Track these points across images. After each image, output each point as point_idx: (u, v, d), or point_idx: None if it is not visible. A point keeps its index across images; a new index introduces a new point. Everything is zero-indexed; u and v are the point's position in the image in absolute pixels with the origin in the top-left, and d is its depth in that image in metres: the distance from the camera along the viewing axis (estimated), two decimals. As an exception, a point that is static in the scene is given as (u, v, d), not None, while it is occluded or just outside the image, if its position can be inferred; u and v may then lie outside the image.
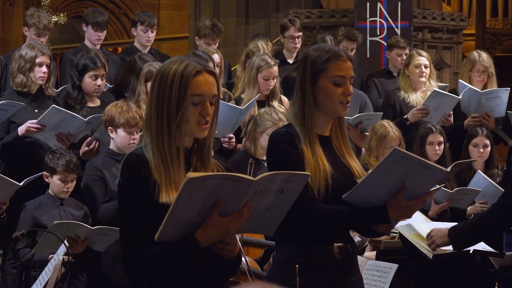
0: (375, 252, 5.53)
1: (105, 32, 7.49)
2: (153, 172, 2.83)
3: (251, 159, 5.53)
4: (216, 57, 6.82)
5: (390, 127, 6.09)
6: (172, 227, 2.71)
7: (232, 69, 8.24)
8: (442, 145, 6.32)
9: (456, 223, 4.29)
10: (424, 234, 4.56)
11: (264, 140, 5.79)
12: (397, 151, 3.08)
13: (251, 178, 2.69)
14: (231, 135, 6.26)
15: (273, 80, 6.49)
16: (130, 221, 2.84)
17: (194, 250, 2.76)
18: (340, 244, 3.39)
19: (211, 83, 2.90)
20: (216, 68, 6.57)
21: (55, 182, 5.37)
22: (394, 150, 3.08)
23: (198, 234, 2.75)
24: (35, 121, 5.70)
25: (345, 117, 5.79)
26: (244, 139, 6.27)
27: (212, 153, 3.06)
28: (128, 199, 2.85)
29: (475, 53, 7.15)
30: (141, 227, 2.82)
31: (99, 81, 6.10)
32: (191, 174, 2.61)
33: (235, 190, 2.69)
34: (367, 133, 6.35)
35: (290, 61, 8.04)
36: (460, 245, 4.10)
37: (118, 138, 5.40)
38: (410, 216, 3.31)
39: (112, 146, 5.45)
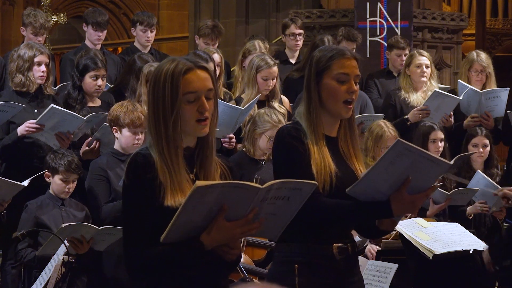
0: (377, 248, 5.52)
1: (105, 32, 7.50)
2: (159, 173, 2.83)
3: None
4: (216, 56, 6.81)
5: (387, 127, 6.10)
6: (178, 230, 2.72)
7: (231, 69, 8.24)
8: (443, 142, 6.35)
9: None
10: (421, 241, 4.56)
11: (263, 142, 5.78)
12: (400, 142, 3.05)
13: (258, 185, 2.70)
14: (231, 135, 6.26)
15: (272, 80, 6.47)
16: (134, 221, 2.84)
17: (198, 252, 2.77)
18: (340, 244, 3.38)
19: (203, 79, 2.88)
20: (216, 68, 6.57)
21: (56, 182, 5.37)
22: (397, 142, 3.05)
23: (203, 237, 2.76)
24: (34, 121, 5.69)
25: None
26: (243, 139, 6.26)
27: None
28: (133, 200, 2.85)
29: (473, 53, 7.17)
30: (144, 228, 2.82)
31: (99, 81, 6.10)
32: (199, 183, 2.62)
33: (242, 196, 2.70)
34: (368, 134, 6.36)
35: (292, 61, 8.03)
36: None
37: (123, 138, 5.40)
38: (413, 211, 3.30)
39: (116, 146, 5.46)
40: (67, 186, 5.36)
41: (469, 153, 6.43)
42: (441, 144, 6.33)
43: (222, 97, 6.54)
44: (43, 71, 5.96)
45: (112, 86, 6.78)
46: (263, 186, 2.71)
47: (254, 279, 5.09)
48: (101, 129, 5.75)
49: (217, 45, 7.79)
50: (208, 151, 2.94)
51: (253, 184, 2.70)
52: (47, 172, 5.38)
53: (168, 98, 2.84)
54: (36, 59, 5.93)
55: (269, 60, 6.51)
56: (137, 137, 5.39)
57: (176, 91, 2.84)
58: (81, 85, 6.12)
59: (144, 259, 2.82)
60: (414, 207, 3.24)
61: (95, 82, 6.09)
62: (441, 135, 6.35)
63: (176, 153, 2.85)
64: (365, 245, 5.58)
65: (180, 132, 2.86)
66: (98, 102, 6.21)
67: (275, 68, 6.48)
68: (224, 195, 2.68)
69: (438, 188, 5.75)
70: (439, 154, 6.27)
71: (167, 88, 2.85)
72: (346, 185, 3.24)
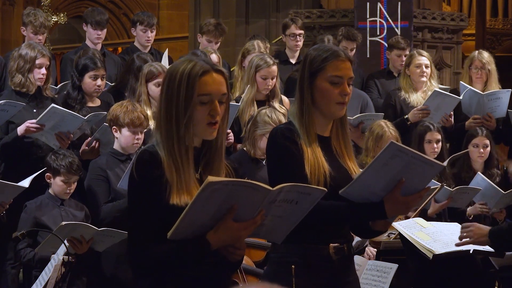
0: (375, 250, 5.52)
1: (105, 30, 7.51)
2: (166, 172, 2.83)
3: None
4: (214, 57, 6.81)
5: (387, 127, 6.09)
6: (185, 227, 2.72)
7: (231, 69, 8.24)
8: (440, 143, 6.32)
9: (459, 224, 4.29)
10: (421, 241, 4.56)
11: (264, 143, 5.74)
12: (393, 144, 3.06)
13: (268, 187, 2.70)
14: (228, 130, 6.26)
15: (272, 79, 6.46)
16: (140, 218, 2.84)
17: (204, 251, 2.77)
18: (336, 244, 3.38)
19: (218, 82, 2.89)
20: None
21: (57, 184, 5.36)
22: (391, 144, 3.06)
23: (210, 236, 2.76)
24: (34, 120, 5.69)
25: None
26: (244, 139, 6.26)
27: None
28: (139, 197, 2.85)
29: (475, 51, 7.22)
30: (150, 225, 2.82)
31: (99, 81, 6.11)
32: (211, 178, 2.61)
33: (251, 197, 2.70)
34: (368, 133, 6.35)
35: (293, 61, 8.03)
36: (499, 247, 4.15)
37: (122, 138, 5.40)
38: (407, 212, 3.30)
39: (116, 146, 5.46)
40: (69, 188, 5.35)
41: (462, 151, 6.42)
42: (437, 145, 6.30)
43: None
44: (43, 74, 5.95)
45: (111, 85, 6.78)
46: (274, 188, 2.70)
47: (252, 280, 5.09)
48: (101, 129, 5.75)
49: (219, 44, 7.80)
50: (216, 154, 2.94)
51: (264, 185, 2.69)
52: (47, 174, 5.37)
53: (183, 98, 2.84)
54: (37, 61, 5.92)
55: (268, 59, 6.50)
56: (136, 137, 5.40)
57: (191, 92, 2.84)
58: (80, 85, 6.12)
59: (148, 257, 2.82)
60: (408, 208, 3.25)
61: (95, 82, 6.10)
62: (437, 136, 6.33)
63: (186, 153, 2.85)
64: (365, 245, 5.58)
65: (191, 132, 2.86)
66: (97, 102, 6.22)
67: (274, 68, 6.47)
68: (234, 194, 2.68)
69: (444, 186, 5.75)
70: (436, 155, 6.26)
71: (182, 88, 2.85)
72: (340, 184, 3.25)
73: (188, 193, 2.80)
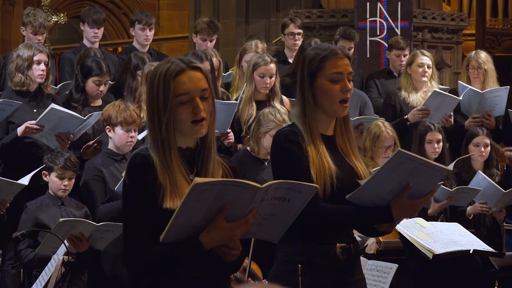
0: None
1: (102, 29, 7.52)
2: (159, 175, 2.83)
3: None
4: (215, 60, 6.79)
5: (384, 127, 6.10)
6: (177, 229, 2.72)
7: (230, 69, 8.23)
8: (441, 143, 6.32)
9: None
10: (421, 241, 4.56)
11: (267, 141, 5.77)
12: (401, 152, 3.07)
13: (257, 185, 2.69)
14: (228, 129, 6.25)
15: (270, 78, 6.44)
16: (134, 221, 2.84)
17: (197, 252, 2.77)
18: (343, 244, 3.38)
19: (196, 79, 2.87)
20: (215, 71, 6.56)
21: (52, 180, 5.36)
22: (398, 152, 3.07)
23: (203, 237, 2.76)
24: (34, 121, 5.69)
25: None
26: (245, 139, 6.25)
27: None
28: (133, 200, 2.85)
29: (472, 52, 7.24)
30: (144, 228, 2.82)
31: (102, 87, 6.10)
32: (198, 180, 2.61)
33: (241, 196, 2.69)
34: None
35: (291, 60, 8.01)
36: None
37: (116, 137, 5.42)
38: (413, 215, 3.31)
39: (110, 146, 5.47)
40: (63, 183, 5.34)
41: (468, 155, 6.42)
42: (438, 145, 6.29)
43: (220, 97, 6.53)
44: (42, 70, 5.95)
45: (111, 85, 6.78)
46: (262, 186, 2.70)
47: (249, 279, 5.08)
48: (103, 134, 5.75)
49: (214, 42, 7.79)
50: (207, 152, 2.93)
51: (252, 183, 2.69)
52: (44, 172, 5.37)
53: (161, 100, 2.84)
54: (35, 58, 5.93)
55: (266, 57, 6.50)
56: (130, 135, 5.42)
57: (168, 93, 2.83)
58: (84, 86, 6.11)
59: (144, 260, 2.82)
60: (414, 211, 3.26)
61: (98, 87, 6.09)
62: (438, 136, 6.32)
63: (170, 154, 2.85)
64: (365, 245, 5.58)
65: (173, 133, 2.85)
66: (99, 102, 6.22)
67: (272, 66, 6.44)
68: (223, 194, 2.67)
69: (442, 186, 5.76)
70: (437, 155, 6.26)
71: (160, 90, 2.84)
72: (346, 185, 3.26)
73: (181, 196, 2.79)
